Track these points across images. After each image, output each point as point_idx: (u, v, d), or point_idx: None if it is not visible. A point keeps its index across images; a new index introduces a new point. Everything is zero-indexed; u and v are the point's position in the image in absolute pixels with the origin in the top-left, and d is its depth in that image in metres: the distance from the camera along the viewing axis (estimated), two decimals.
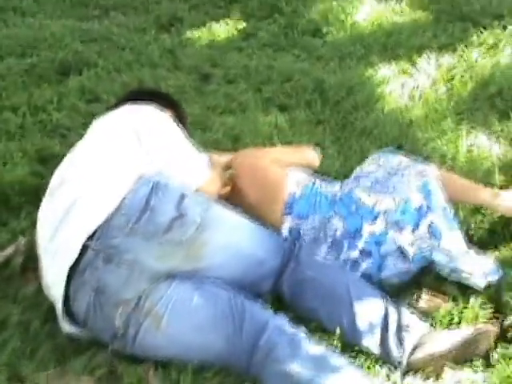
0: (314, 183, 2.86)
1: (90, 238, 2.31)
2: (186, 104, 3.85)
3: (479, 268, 2.63)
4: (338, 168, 3.44)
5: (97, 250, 2.30)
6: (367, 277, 2.64)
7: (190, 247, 2.36)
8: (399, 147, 3.54)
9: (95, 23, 5.20)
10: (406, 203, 2.67)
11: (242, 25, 5.13)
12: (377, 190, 2.74)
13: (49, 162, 3.45)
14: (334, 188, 2.86)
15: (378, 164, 2.91)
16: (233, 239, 2.49)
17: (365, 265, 2.66)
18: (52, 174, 2.63)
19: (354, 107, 3.95)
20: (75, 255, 2.30)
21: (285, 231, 2.77)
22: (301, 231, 2.75)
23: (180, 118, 3.03)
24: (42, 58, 4.48)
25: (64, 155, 2.97)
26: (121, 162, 2.53)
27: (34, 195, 2.99)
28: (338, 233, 2.70)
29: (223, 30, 5.05)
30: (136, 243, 2.31)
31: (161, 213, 2.35)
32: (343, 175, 3.32)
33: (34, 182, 3.24)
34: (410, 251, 2.64)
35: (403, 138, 3.69)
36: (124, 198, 2.37)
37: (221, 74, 4.37)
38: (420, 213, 2.66)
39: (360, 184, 2.79)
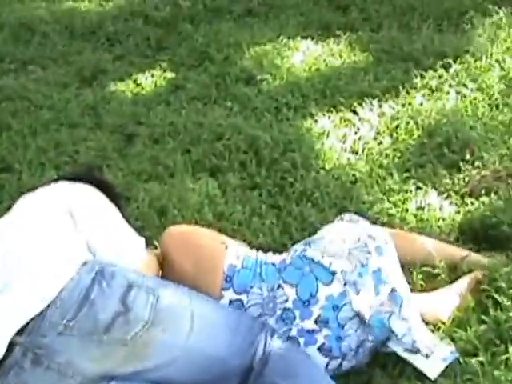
0: (256, 255, 2.59)
1: (21, 331, 2.03)
2: (108, 170, 3.52)
3: (437, 349, 2.41)
4: (277, 237, 3.11)
5: (25, 347, 2.02)
6: (327, 350, 2.40)
7: (134, 347, 2.08)
8: (343, 210, 3.23)
9: (10, 79, 4.79)
10: (364, 266, 2.44)
11: (171, 75, 4.77)
12: (331, 251, 2.49)
13: None
14: (281, 255, 2.60)
15: (329, 231, 2.68)
16: (187, 338, 2.18)
17: (321, 338, 2.41)
18: None
19: (293, 165, 3.62)
20: (1, 353, 2.01)
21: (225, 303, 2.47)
22: (244, 303, 2.46)
23: (113, 198, 2.74)
24: None
25: None
26: (59, 246, 2.28)
27: None
28: (289, 302, 2.44)
29: (150, 82, 4.69)
30: (70, 343, 2.05)
31: (102, 307, 2.09)
32: (282, 244, 2.99)
33: None
34: (367, 315, 2.39)
35: (347, 199, 3.38)
36: (62, 289, 2.09)
37: (146, 133, 4.02)
38: (377, 276, 2.44)
39: (312, 247, 2.54)
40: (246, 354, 2.24)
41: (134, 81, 4.72)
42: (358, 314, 2.39)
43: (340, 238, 2.55)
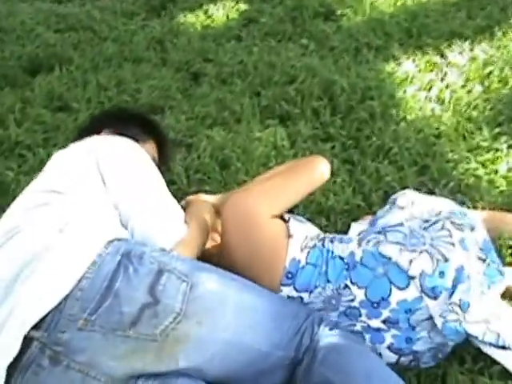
0: (323, 245, 2.23)
1: (40, 322, 1.78)
2: (170, 112, 3.25)
3: None
4: (349, 197, 2.81)
5: (43, 343, 1.77)
6: (396, 350, 2.13)
7: (165, 342, 1.81)
8: (424, 168, 2.91)
9: (75, 6, 4.53)
10: (446, 261, 2.10)
11: (244, 7, 4.43)
12: (410, 245, 2.14)
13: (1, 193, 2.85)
14: (349, 245, 2.22)
15: (409, 211, 2.36)
16: (225, 330, 1.90)
17: (389, 337, 2.13)
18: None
19: (371, 115, 3.29)
20: (15, 351, 1.77)
21: None
22: (304, 300, 2.16)
23: (161, 147, 2.61)
24: (6, 54, 3.83)
25: (19, 185, 2.39)
26: (86, 217, 2.04)
27: None
28: (356, 302, 2.14)
29: (221, 14, 4.35)
30: (91, 340, 1.78)
31: (127, 299, 1.81)
32: (356, 206, 2.70)
33: None
34: (439, 321, 2.07)
35: (429, 156, 3.04)
36: (83, 276, 1.83)
37: (213, 73, 3.71)
38: (458, 275, 2.09)
39: (388, 238, 2.18)
40: (290, 345, 1.97)
41: (205, 12, 4.39)
42: (431, 317, 2.09)
43: (420, 224, 2.22)
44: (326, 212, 2.75)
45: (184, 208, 2.45)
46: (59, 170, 2.22)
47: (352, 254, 2.18)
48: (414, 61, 3.74)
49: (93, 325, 1.78)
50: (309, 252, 2.18)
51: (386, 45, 3.91)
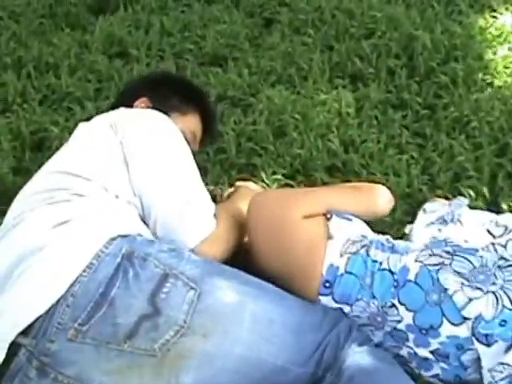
0: (367, 253, 1.92)
1: (29, 328, 1.61)
2: (234, 64, 2.99)
3: None
4: (414, 178, 2.51)
5: (30, 352, 1.61)
6: (440, 379, 1.88)
7: (165, 358, 1.62)
8: (505, 148, 2.56)
9: None
10: None
11: None
12: (477, 281, 1.82)
13: (43, 151, 2.70)
14: (404, 259, 1.91)
15: (483, 227, 2.00)
16: (234, 345, 1.68)
17: (437, 368, 1.85)
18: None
19: (452, 80, 2.95)
20: (1, 357, 1.62)
21: None
22: (346, 312, 1.89)
23: (205, 120, 2.37)
24: None
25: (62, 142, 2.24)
26: (92, 210, 1.83)
27: None
28: (402, 325, 1.85)
29: None
30: (82, 353, 1.61)
31: (124, 308, 1.63)
32: (422, 184, 2.43)
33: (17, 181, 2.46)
34: (487, 376, 1.78)
35: (509, 134, 2.68)
36: (77, 280, 1.64)
37: (287, 20, 3.41)
38: None
39: (453, 264, 1.85)
40: (310, 360, 1.73)
41: None
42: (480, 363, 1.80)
43: (496, 260, 1.87)
44: None
45: (228, 195, 2.24)
46: (79, 148, 2.03)
47: (405, 269, 1.87)
48: None
49: (84, 336, 1.61)
50: (349, 258, 1.90)
51: None
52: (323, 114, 2.76)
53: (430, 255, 1.88)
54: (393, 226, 2.34)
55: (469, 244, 1.93)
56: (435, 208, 2.27)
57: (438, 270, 1.84)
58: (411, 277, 1.85)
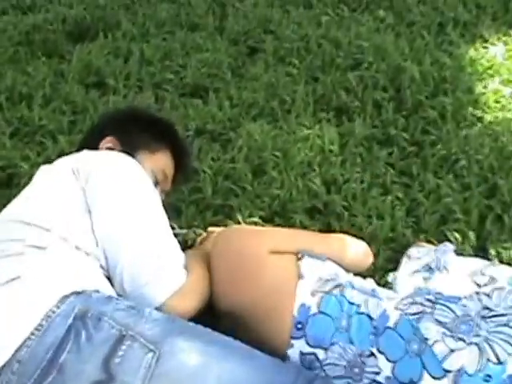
0: (342, 294, 1.81)
1: None
2: (215, 96, 2.86)
3: None
4: (398, 221, 2.39)
5: None
6: None
7: None
8: (494, 188, 2.46)
9: None
10: (500, 365, 1.64)
11: None
12: (458, 331, 1.71)
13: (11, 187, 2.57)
14: (383, 304, 1.79)
15: (469, 277, 1.88)
16: None
17: None
18: None
19: (441, 115, 2.82)
20: None
21: (293, 356, 1.79)
22: (320, 359, 1.76)
23: (177, 157, 2.25)
24: (50, 16, 3.50)
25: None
26: (47, 264, 1.71)
27: None
28: (381, 377, 1.72)
29: None
30: None
31: (74, 375, 1.49)
32: (406, 228, 2.33)
33: None
34: None
35: (503, 171, 2.56)
36: (23, 343, 1.51)
37: (271, 48, 3.29)
38: None
39: (435, 313, 1.74)
40: None
41: None
42: None
43: (480, 310, 1.76)
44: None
45: (201, 241, 2.12)
46: (37, 195, 1.91)
47: (384, 315, 1.76)
48: (505, 43, 3.21)
49: None
50: (322, 298, 1.79)
51: (475, 20, 3.40)
52: (305, 151, 2.63)
53: (411, 303, 1.77)
54: (375, 273, 2.21)
55: (451, 292, 1.82)
56: (420, 254, 2.15)
57: (419, 318, 1.72)
58: (391, 324, 1.74)
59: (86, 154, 2.01)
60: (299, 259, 1.87)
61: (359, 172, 2.58)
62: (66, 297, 1.58)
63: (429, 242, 2.30)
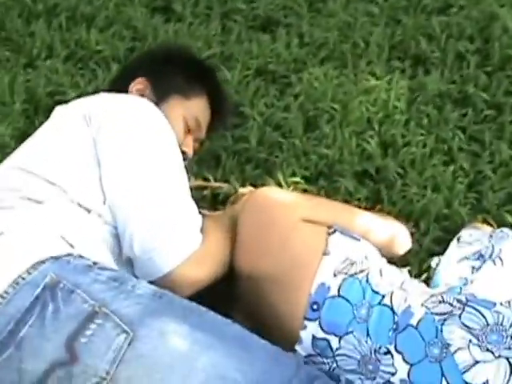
0: (367, 280, 1.65)
1: None
2: (285, 32, 2.65)
3: None
4: (460, 192, 2.14)
5: None
6: None
7: None
8: None
9: None
10: None
11: None
12: (488, 341, 1.52)
13: None
14: (410, 296, 1.63)
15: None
16: None
17: None
18: None
19: None
20: None
21: (306, 340, 1.64)
22: (332, 346, 1.61)
23: (214, 103, 2.09)
24: None
25: None
26: (45, 214, 1.61)
27: None
28: (396, 378, 1.56)
29: None
30: None
31: (33, 351, 1.36)
32: (465, 205, 2.10)
33: None
34: None
35: None
36: None
37: None
38: None
39: (462, 317, 1.55)
40: None
41: None
42: None
43: (510, 304, 1.57)
44: (416, 214, 2.11)
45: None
46: (43, 141, 1.80)
47: (409, 311, 1.59)
48: None
49: None
50: (344, 280, 1.64)
51: None
52: (366, 105, 2.39)
53: (440, 302, 1.59)
54: (417, 255, 2.00)
55: (491, 292, 1.63)
56: (472, 239, 1.94)
57: (445, 320, 1.55)
58: (414, 322, 1.57)
59: (102, 97, 1.86)
60: (330, 234, 1.71)
61: (424, 134, 2.33)
62: (41, 262, 1.45)
63: (487, 223, 2.05)
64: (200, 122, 2.04)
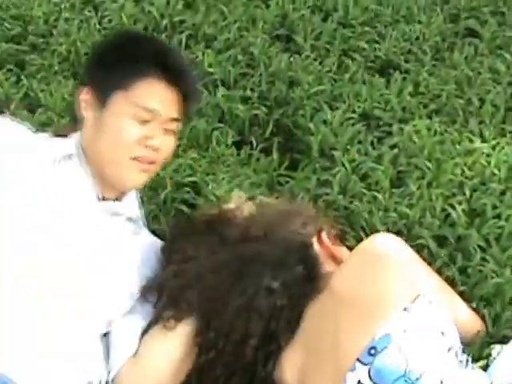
0: None
1: None
2: (404, 79, 2.58)
3: None
4: None
5: None
6: None
7: None
8: None
9: None
10: None
11: None
12: None
13: None
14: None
15: None
16: None
17: None
18: None
19: None
20: None
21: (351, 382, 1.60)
22: None
23: (166, 75, 1.84)
24: None
25: None
26: None
27: None
28: None
29: None
30: None
31: None
32: None
33: None
34: None
35: None
36: None
37: (489, 33, 2.87)
38: None
39: None
40: None
41: None
42: None
43: None
44: (489, 293, 1.98)
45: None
46: None
47: None
48: None
49: None
50: None
51: None
52: (462, 168, 2.26)
53: None
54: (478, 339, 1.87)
55: None
56: None
57: None
58: None
59: None
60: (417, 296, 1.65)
61: None
62: None
63: None
64: (154, 109, 1.82)
